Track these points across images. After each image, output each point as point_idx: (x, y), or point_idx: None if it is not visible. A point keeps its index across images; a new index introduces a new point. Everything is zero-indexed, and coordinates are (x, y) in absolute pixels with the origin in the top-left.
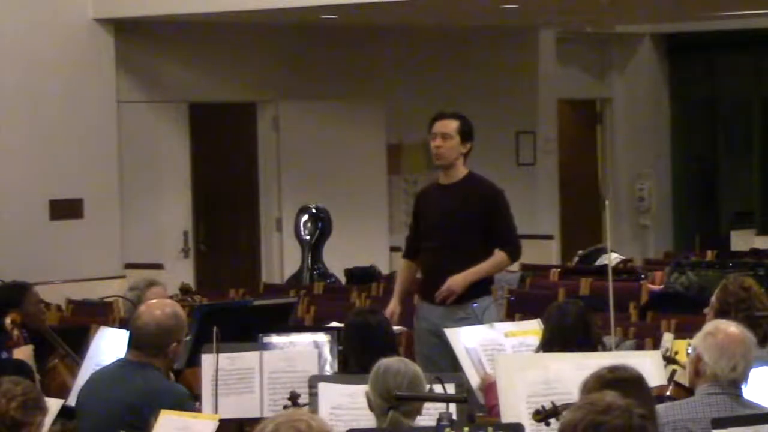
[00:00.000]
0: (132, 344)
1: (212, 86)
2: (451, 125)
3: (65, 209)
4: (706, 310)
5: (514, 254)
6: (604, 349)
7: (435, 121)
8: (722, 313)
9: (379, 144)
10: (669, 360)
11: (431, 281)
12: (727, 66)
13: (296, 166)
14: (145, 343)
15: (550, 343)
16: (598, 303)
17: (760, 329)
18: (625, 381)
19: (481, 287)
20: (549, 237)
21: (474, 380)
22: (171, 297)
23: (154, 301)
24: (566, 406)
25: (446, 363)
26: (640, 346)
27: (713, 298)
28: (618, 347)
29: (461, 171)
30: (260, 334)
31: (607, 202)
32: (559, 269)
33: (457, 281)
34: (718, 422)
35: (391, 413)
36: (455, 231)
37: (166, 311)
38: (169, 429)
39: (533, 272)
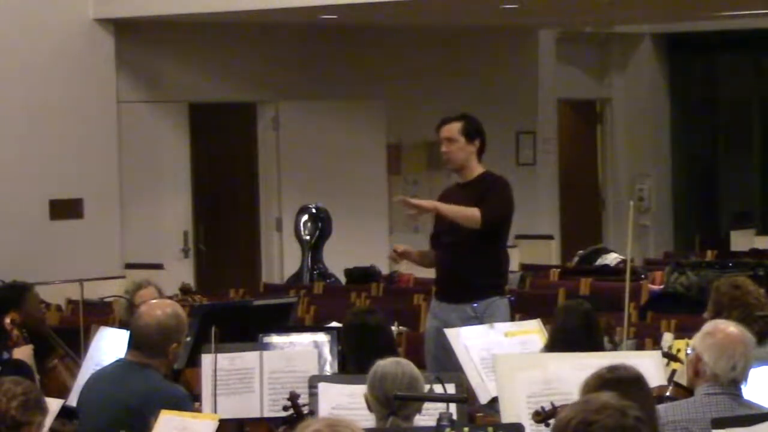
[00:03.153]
0: (132, 345)
1: (212, 86)
2: (454, 128)
3: (65, 209)
4: (705, 315)
5: (485, 218)
6: (615, 347)
7: (440, 127)
8: (718, 314)
9: (379, 144)
10: (669, 356)
11: (441, 280)
12: (727, 66)
13: (296, 166)
14: (146, 343)
15: (553, 344)
16: (598, 303)
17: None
18: (625, 381)
19: (493, 286)
20: (549, 237)
21: (474, 380)
22: (171, 297)
23: (154, 301)
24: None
25: (454, 363)
26: (640, 346)
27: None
28: (618, 347)
29: (475, 170)
30: (260, 334)
31: (632, 203)
32: (559, 269)
33: (423, 203)
34: (718, 422)
35: (392, 419)
36: (463, 229)
37: (167, 311)
38: (168, 429)
39: (533, 272)
